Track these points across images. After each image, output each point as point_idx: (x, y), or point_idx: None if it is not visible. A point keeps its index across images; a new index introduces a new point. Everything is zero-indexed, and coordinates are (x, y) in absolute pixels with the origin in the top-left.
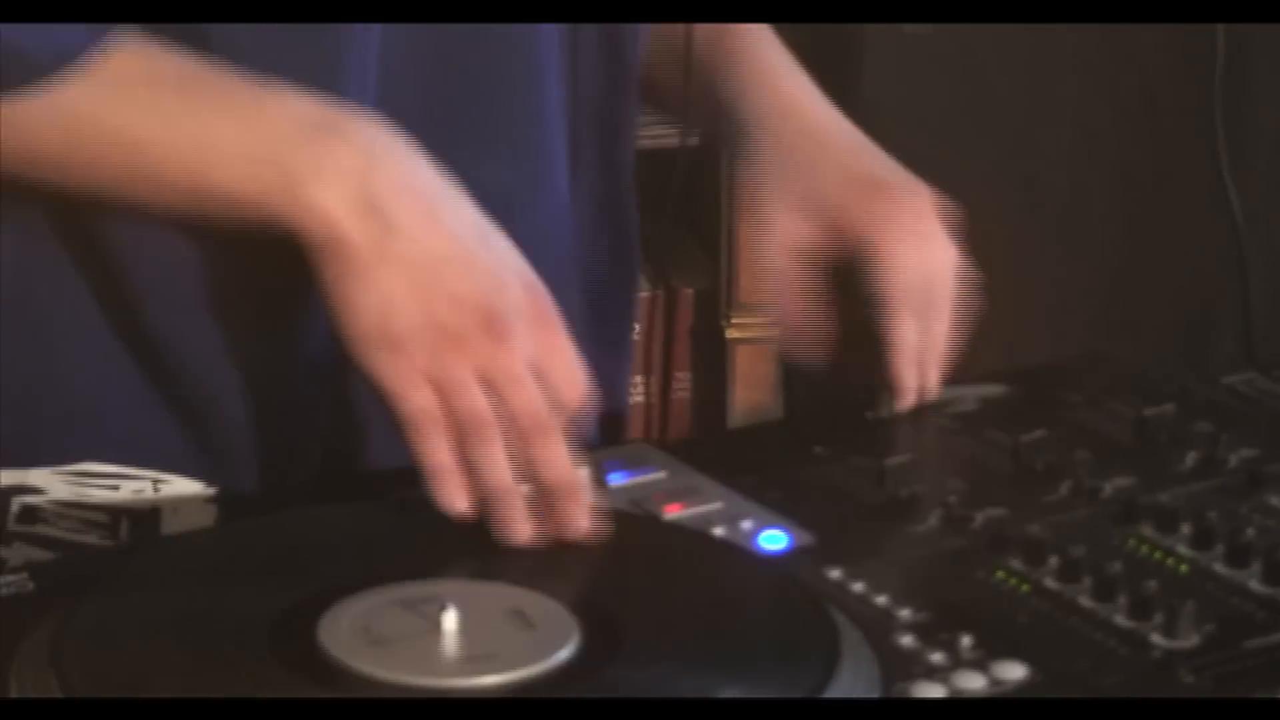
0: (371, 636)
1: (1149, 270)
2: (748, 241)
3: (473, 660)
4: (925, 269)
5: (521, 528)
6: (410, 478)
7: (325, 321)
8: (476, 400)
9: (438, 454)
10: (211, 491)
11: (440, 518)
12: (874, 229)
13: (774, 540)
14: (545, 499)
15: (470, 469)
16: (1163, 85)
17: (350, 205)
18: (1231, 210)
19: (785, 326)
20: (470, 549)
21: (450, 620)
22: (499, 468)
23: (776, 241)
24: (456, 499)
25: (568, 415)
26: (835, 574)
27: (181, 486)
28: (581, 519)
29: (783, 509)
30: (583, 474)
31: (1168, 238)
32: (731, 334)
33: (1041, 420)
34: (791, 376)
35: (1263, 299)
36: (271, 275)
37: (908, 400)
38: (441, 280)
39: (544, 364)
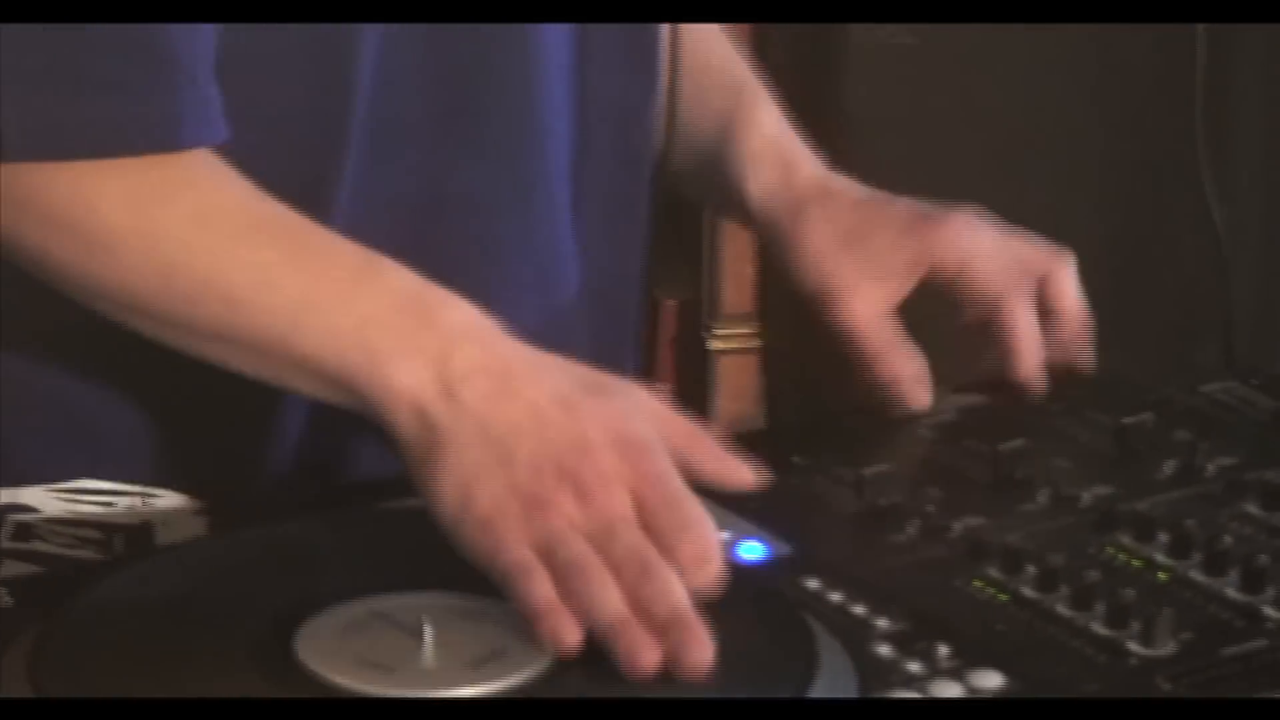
0: (350, 649)
1: (1132, 280)
2: (842, 325)
3: (449, 671)
4: (1010, 257)
5: (646, 656)
6: (398, 488)
7: None
8: (576, 546)
9: (539, 596)
10: (201, 504)
11: (420, 528)
12: (950, 251)
13: (752, 550)
14: (660, 633)
15: (581, 609)
16: (1145, 93)
17: (428, 389)
18: (1213, 219)
19: (899, 381)
20: (454, 559)
21: (430, 633)
22: (609, 600)
23: (871, 313)
24: (567, 636)
25: (687, 561)
26: (813, 584)
27: (172, 501)
28: (699, 652)
29: (761, 519)
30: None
31: (1150, 248)
32: (714, 345)
33: (1020, 429)
34: (775, 388)
35: (1245, 308)
36: None
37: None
38: (518, 450)
39: (652, 516)
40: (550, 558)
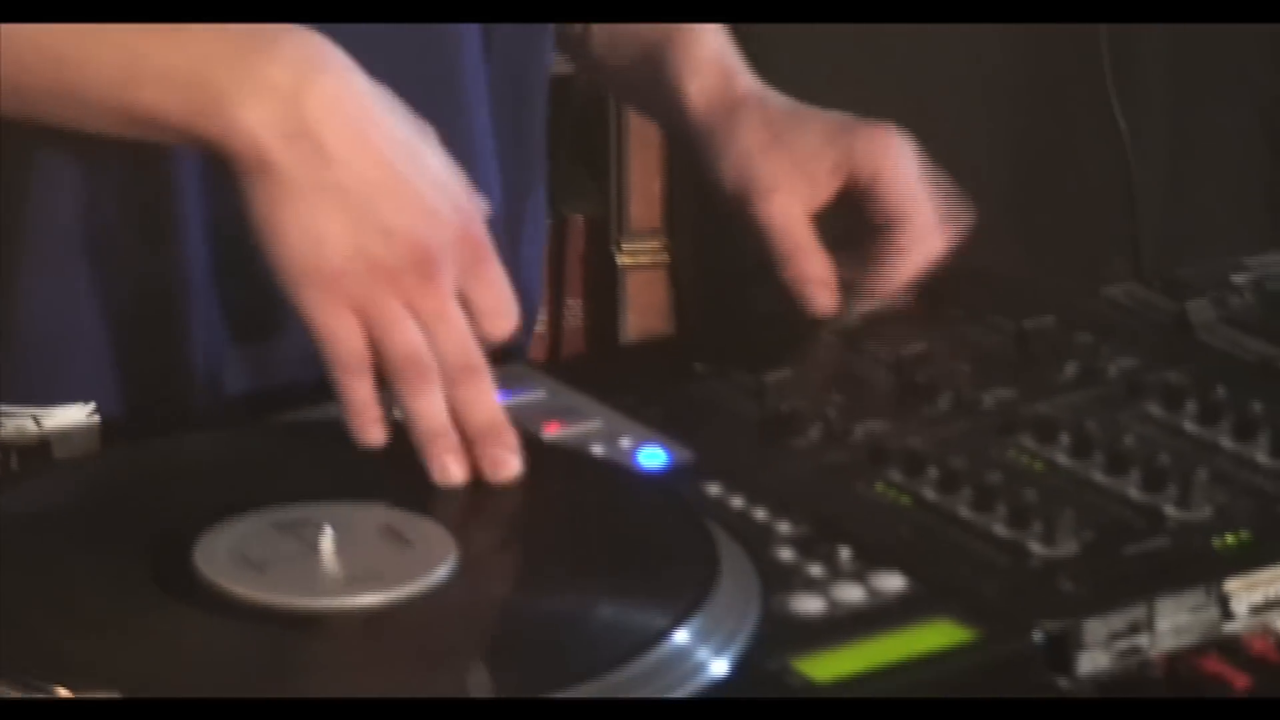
0: (248, 560)
1: (1040, 192)
2: (760, 222)
3: (349, 580)
4: (920, 192)
5: (456, 469)
6: (294, 401)
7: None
8: (410, 337)
9: (360, 391)
10: (91, 408)
11: (318, 441)
12: (868, 161)
13: (653, 457)
14: (473, 441)
15: (403, 408)
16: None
17: (279, 127)
18: (1119, 130)
19: (808, 282)
20: (349, 471)
21: (327, 542)
22: (432, 409)
23: (788, 213)
24: (374, 433)
25: (494, 348)
26: (714, 489)
27: (64, 416)
28: (512, 461)
29: (662, 426)
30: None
31: (1057, 159)
32: (623, 260)
33: (922, 334)
34: (684, 301)
35: (1150, 217)
36: (152, 192)
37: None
38: (374, 211)
39: (474, 296)
40: (382, 339)
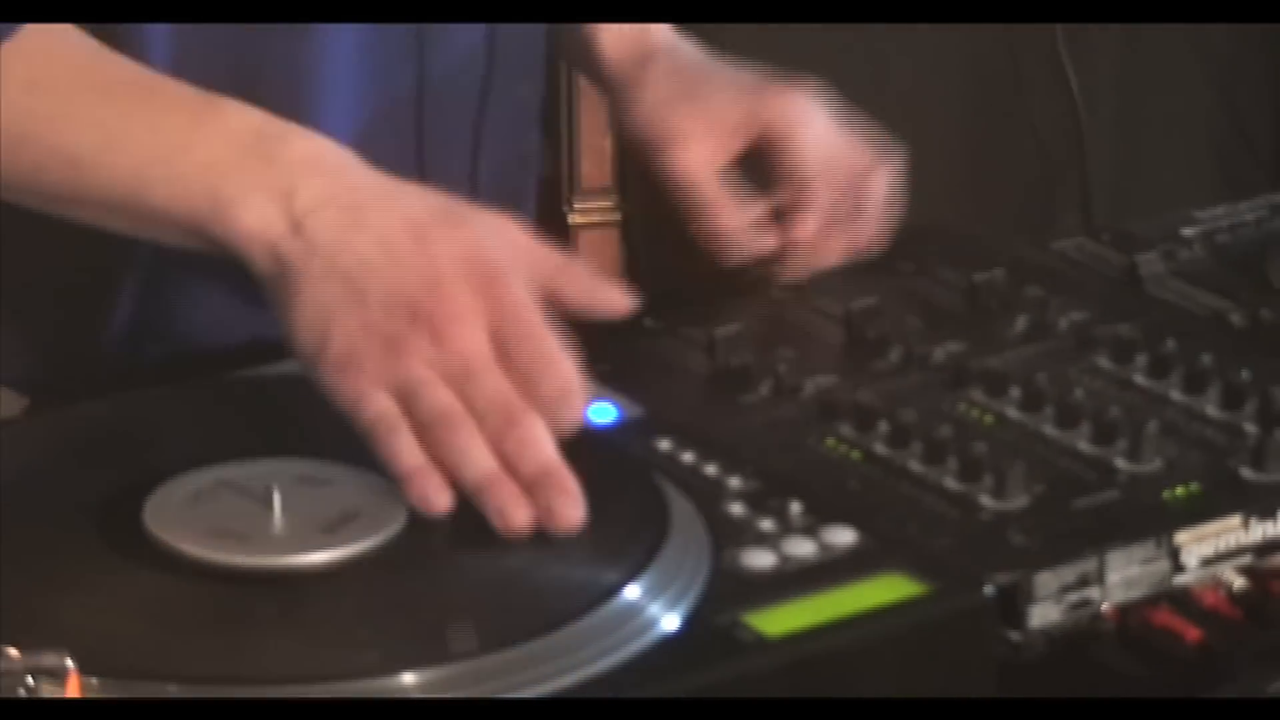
0: (198, 518)
1: (991, 149)
2: (669, 173)
3: (299, 538)
4: (834, 149)
5: (518, 514)
6: (242, 358)
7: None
8: (437, 396)
9: (406, 456)
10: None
11: (269, 400)
12: (779, 118)
13: (602, 413)
14: (529, 491)
15: (448, 466)
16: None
17: (276, 226)
18: (1070, 86)
19: (725, 232)
20: (300, 429)
21: (278, 500)
22: (478, 457)
23: (699, 164)
24: (437, 498)
25: (548, 398)
26: (665, 445)
27: None
28: (571, 512)
29: (612, 382)
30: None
31: (1009, 115)
32: (574, 219)
33: (872, 288)
34: (637, 259)
35: (1100, 173)
36: None
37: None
38: (369, 287)
39: (510, 348)
40: (412, 406)
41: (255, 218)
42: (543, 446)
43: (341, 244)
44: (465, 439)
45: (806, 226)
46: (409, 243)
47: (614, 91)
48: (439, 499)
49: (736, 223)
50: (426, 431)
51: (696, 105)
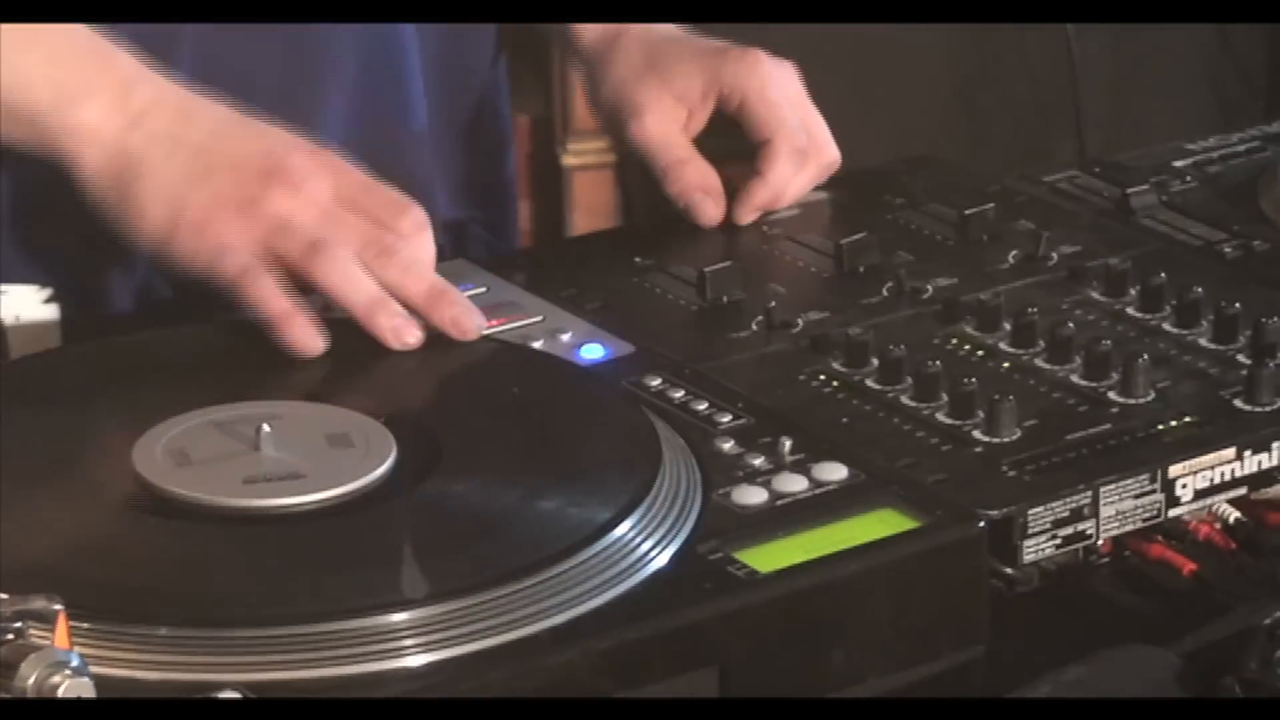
0: (187, 459)
1: (985, 80)
2: (636, 143)
3: (288, 479)
4: (793, 105)
5: (408, 332)
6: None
7: None
8: (306, 230)
9: (274, 301)
10: (48, 292)
11: (262, 339)
12: (737, 82)
13: (593, 351)
14: (424, 313)
15: (334, 296)
16: None
17: (114, 120)
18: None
19: (690, 193)
20: (291, 371)
21: (267, 441)
22: (361, 281)
23: (663, 129)
24: (311, 340)
25: (408, 235)
26: (655, 382)
27: (17, 295)
28: (472, 317)
29: (603, 320)
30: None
31: (1002, 48)
32: (568, 161)
33: (862, 223)
34: (630, 201)
35: (1093, 105)
36: None
37: (745, 219)
38: (215, 159)
39: (358, 200)
40: (282, 247)
41: (93, 113)
42: (425, 268)
43: (180, 132)
44: (344, 263)
45: (769, 178)
46: (241, 129)
47: (585, 73)
48: (313, 341)
49: (710, 180)
50: (302, 266)
51: (660, 77)
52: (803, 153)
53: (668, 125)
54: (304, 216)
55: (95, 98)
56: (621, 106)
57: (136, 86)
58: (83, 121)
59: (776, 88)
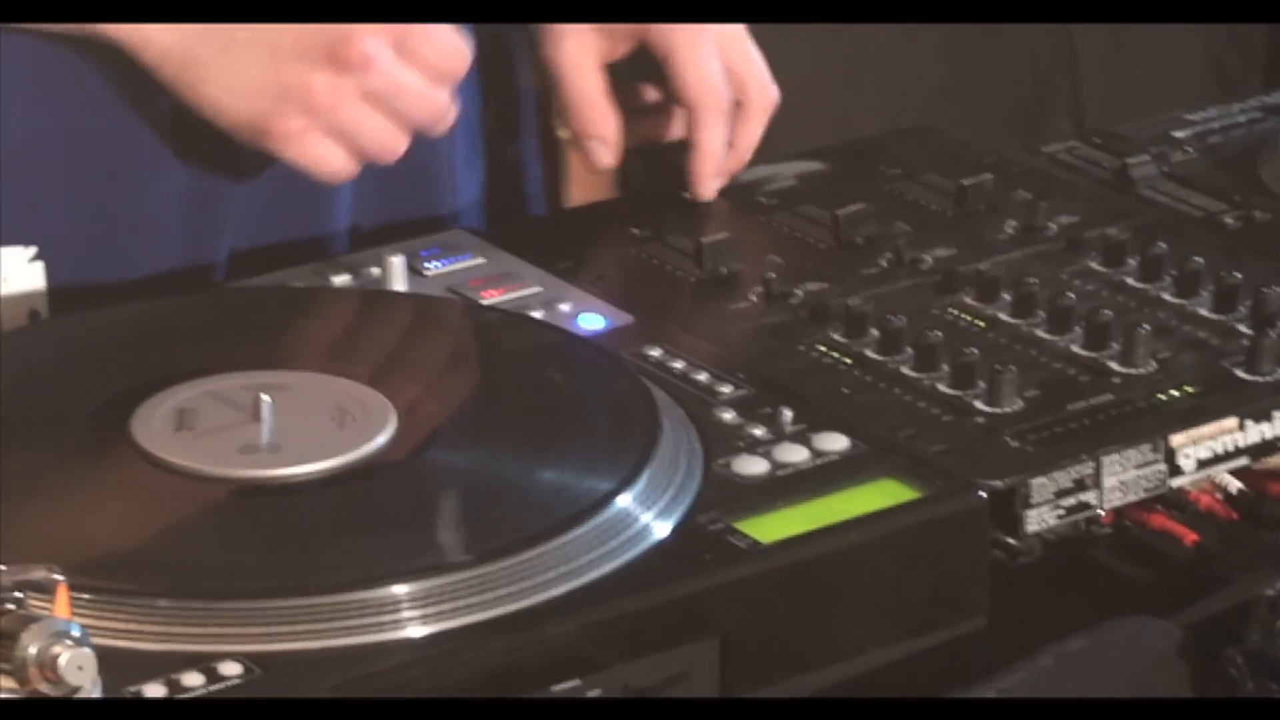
0: (185, 428)
1: (981, 49)
2: (550, 67)
3: (289, 449)
4: (725, 69)
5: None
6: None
7: None
8: (380, 113)
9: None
10: (33, 250)
11: (260, 309)
12: (668, 36)
13: (592, 321)
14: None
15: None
16: None
17: (171, 32)
18: None
19: (588, 136)
20: (292, 341)
21: (266, 411)
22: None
23: (578, 57)
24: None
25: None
26: (655, 353)
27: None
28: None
29: (601, 290)
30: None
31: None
32: (564, 134)
33: (860, 194)
34: (628, 174)
35: (1091, 75)
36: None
37: (706, 194)
38: (280, 43)
39: (417, 52)
40: (357, 135)
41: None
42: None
43: (236, 30)
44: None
45: (704, 147)
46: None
47: None
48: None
49: (609, 128)
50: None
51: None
52: (736, 104)
53: (583, 56)
54: (372, 90)
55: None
56: (543, 31)
57: None
58: (143, 33)
59: (706, 36)
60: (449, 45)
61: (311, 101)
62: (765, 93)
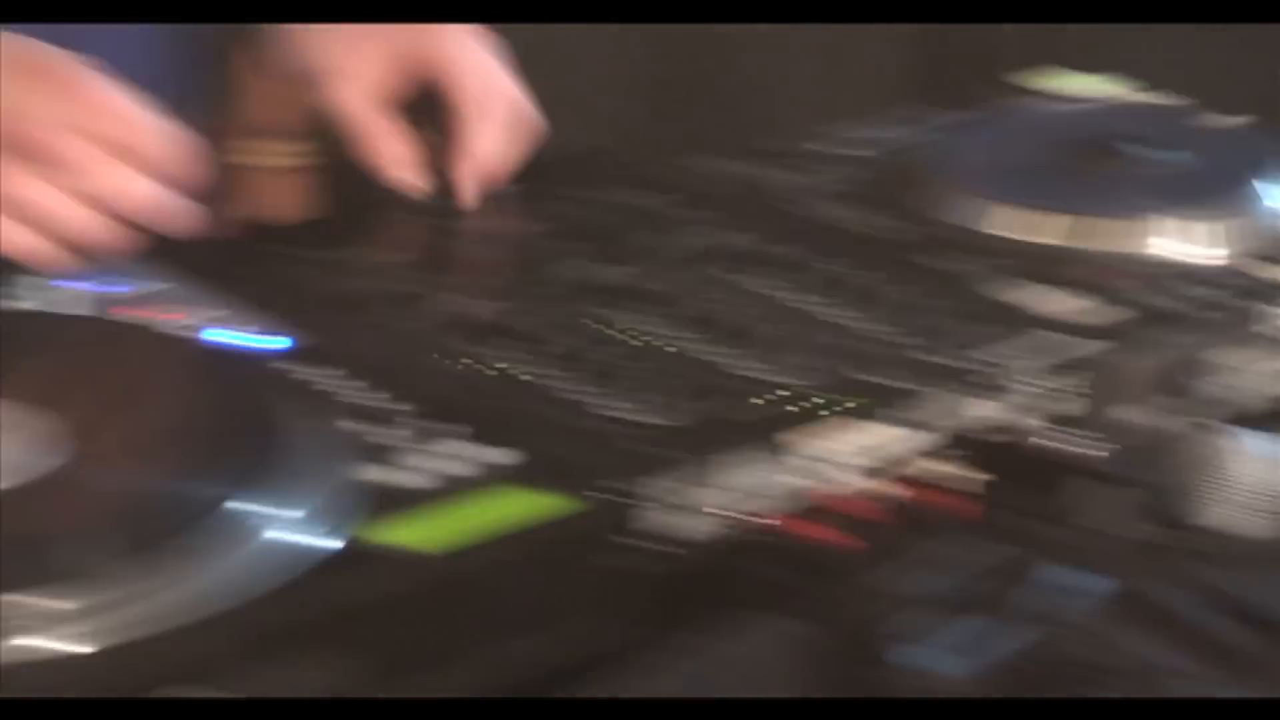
0: None
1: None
2: (327, 107)
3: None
4: (492, 79)
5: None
6: None
7: None
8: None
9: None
10: None
11: None
12: (434, 53)
13: (227, 337)
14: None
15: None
16: None
17: None
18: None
19: (385, 164)
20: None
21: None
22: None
23: (357, 95)
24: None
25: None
26: (306, 368)
27: None
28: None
29: (238, 307)
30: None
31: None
32: (247, 160)
33: (537, 213)
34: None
35: (746, 92)
36: None
37: (470, 200)
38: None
39: (93, 126)
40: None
41: None
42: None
43: None
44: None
45: (472, 155)
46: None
47: (270, 29)
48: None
49: (403, 150)
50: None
51: (356, 38)
52: (501, 120)
53: (354, 91)
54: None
55: None
56: (310, 64)
57: None
58: None
59: (470, 53)
60: (129, 114)
61: None
62: (528, 117)
